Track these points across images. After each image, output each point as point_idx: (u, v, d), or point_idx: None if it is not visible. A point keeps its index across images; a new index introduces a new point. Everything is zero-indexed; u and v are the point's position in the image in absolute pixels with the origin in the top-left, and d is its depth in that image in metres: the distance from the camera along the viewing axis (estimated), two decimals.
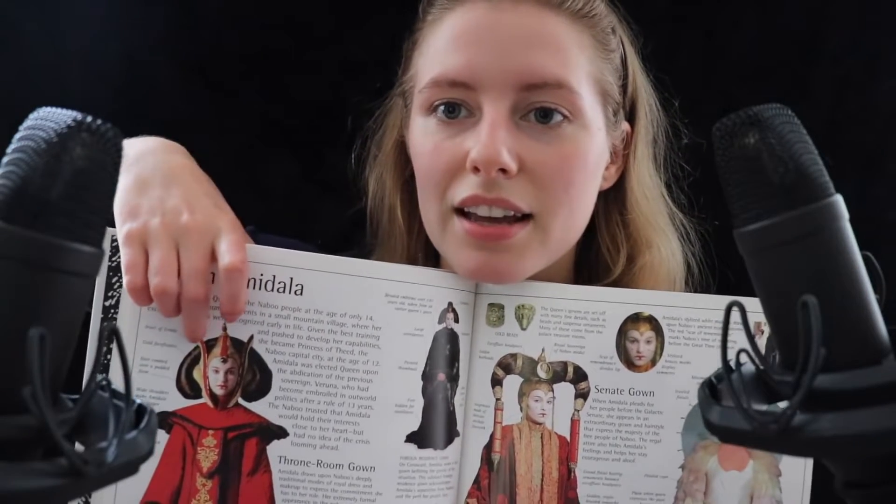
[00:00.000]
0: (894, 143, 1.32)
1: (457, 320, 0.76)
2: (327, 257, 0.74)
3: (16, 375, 0.43)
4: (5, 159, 0.47)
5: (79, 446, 0.47)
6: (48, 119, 0.47)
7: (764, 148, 0.50)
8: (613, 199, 0.87)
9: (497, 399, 0.75)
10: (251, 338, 0.73)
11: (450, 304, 0.76)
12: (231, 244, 0.72)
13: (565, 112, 0.77)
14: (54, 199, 0.45)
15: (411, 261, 0.89)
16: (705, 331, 0.72)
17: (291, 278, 0.72)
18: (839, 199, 0.51)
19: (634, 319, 0.73)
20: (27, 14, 1.26)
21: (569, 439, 0.74)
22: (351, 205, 0.96)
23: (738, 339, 0.50)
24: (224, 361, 0.72)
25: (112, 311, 0.73)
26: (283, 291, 0.72)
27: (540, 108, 0.77)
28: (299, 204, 1.31)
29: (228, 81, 1.31)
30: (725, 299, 0.71)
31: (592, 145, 0.80)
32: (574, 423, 0.73)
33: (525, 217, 0.78)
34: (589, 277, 0.88)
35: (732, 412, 0.50)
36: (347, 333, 0.72)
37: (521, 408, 0.74)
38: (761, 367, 0.51)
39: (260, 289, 0.72)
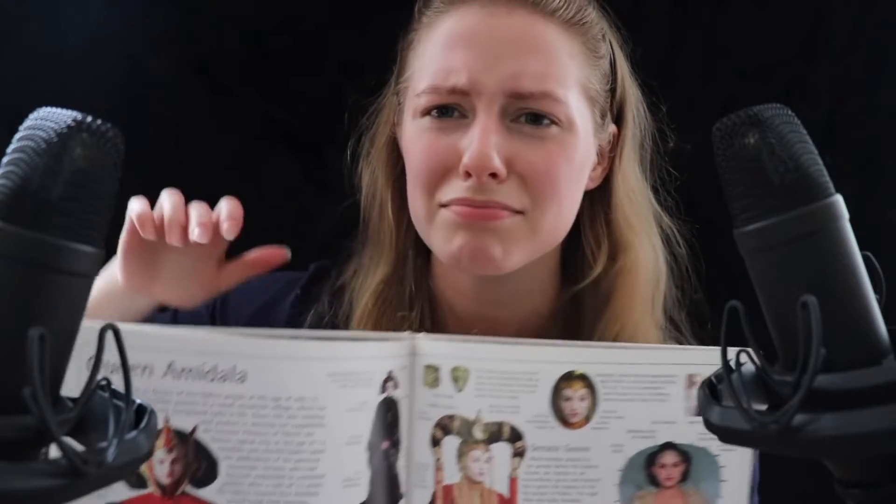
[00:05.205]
0: (894, 143, 1.32)
1: (396, 386, 0.76)
2: (270, 342, 0.74)
3: (16, 375, 0.43)
4: (5, 159, 0.47)
5: (79, 446, 0.47)
6: (48, 119, 0.47)
7: (764, 148, 0.50)
8: (599, 199, 0.89)
9: (437, 459, 0.75)
10: (195, 428, 0.72)
11: (389, 372, 0.76)
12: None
13: (553, 118, 0.80)
14: (54, 198, 0.45)
15: (400, 256, 0.90)
16: (639, 385, 0.73)
17: (234, 366, 0.71)
18: (839, 199, 0.51)
19: (567, 378, 0.73)
20: (27, 14, 1.26)
21: (508, 496, 0.74)
22: (351, 205, 0.96)
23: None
24: (169, 452, 0.71)
25: None
26: (226, 380, 0.71)
27: (530, 113, 0.80)
28: (299, 204, 1.32)
29: (228, 81, 1.32)
30: (657, 353, 0.74)
31: (579, 147, 0.82)
32: (513, 481, 0.74)
33: (516, 212, 0.80)
34: (575, 276, 0.89)
35: (732, 412, 0.50)
36: (293, 416, 0.72)
37: (459, 468, 0.75)
38: (761, 366, 0.51)
39: (201, 379, 0.71)
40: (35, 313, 0.45)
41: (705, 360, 0.71)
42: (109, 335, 0.48)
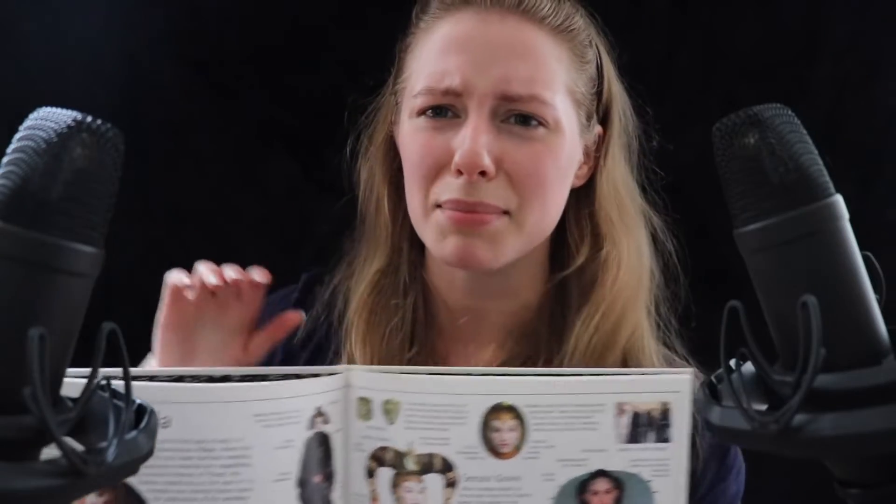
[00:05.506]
0: (894, 143, 1.32)
1: (326, 421, 0.77)
2: (193, 387, 0.74)
3: (16, 375, 0.43)
4: (5, 159, 0.47)
5: (79, 446, 0.47)
6: (48, 119, 0.47)
7: (764, 148, 0.50)
8: (584, 196, 0.93)
9: (372, 490, 0.76)
10: None
11: (317, 409, 0.76)
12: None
13: (541, 120, 0.85)
14: (54, 199, 0.45)
15: (395, 248, 0.94)
16: (567, 415, 0.73)
17: (157, 412, 0.72)
18: (839, 199, 0.51)
19: (496, 409, 0.74)
20: (27, 14, 1.26)
21: None
22: (350, 205, 0.97)
23: None
24: (100, 496, 0.71)
25: None
26: None
27: (519, 115, 0.84)
28: (299, 204, 1.32)
29: (228, 81, 1.32)
30: (585, 383, 0.73)
31: (565, 147, 0.87)
32: None
33: (503, 213, 0.85)
34: (561, 269, 0.93)
35: (733, 412, 0.50)
36: (218, 457, 0.72)
37: (394, 499, 0.75)
38: (761, 364, 0.51)
39: None
40: (35, 313, 0.45)
41: (634, 388, 0.72)
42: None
